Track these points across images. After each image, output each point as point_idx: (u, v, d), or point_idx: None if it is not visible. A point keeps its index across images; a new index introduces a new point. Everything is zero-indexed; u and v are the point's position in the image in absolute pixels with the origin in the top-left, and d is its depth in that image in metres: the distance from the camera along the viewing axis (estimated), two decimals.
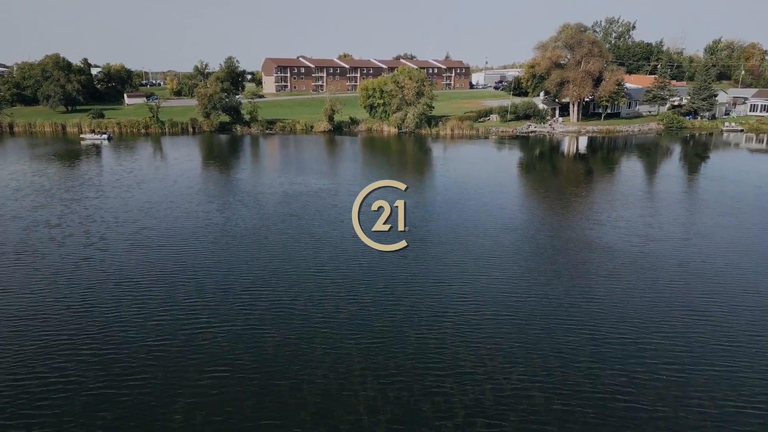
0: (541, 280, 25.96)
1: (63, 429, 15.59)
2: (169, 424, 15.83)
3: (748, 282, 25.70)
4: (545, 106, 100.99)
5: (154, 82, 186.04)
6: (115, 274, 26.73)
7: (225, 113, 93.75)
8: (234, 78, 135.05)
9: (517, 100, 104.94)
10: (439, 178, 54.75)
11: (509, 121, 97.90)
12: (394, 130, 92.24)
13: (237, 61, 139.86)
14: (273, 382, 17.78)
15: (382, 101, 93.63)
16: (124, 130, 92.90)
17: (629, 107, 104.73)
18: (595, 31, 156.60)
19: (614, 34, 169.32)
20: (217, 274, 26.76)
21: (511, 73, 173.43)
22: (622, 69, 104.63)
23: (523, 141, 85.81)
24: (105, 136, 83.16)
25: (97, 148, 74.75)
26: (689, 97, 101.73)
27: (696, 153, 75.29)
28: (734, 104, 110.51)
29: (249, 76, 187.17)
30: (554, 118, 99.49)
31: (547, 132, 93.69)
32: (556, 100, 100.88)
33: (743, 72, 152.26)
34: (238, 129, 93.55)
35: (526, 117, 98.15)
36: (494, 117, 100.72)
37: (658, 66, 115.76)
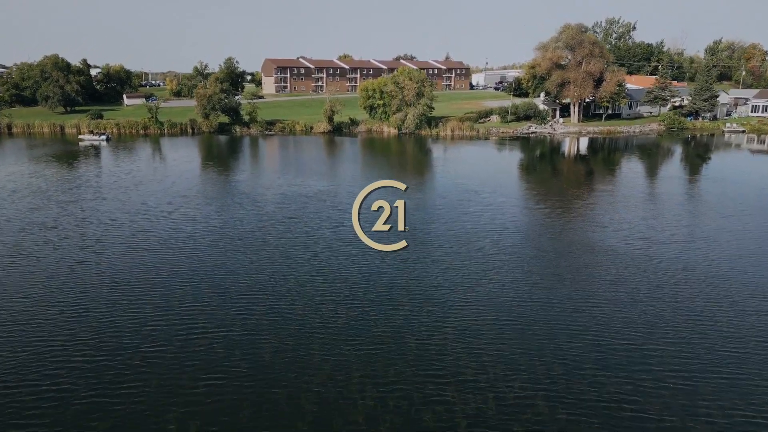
0: (544, 284, 25.53)
1: None
2: None
3: (754, 286, 25.26)
4: (546, 107, 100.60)
5: (153, 82, 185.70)
6: (110, 278, 26.29)
7: (224, 114, 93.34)
8: (234, 79, 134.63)
9: (518, 100, 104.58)
10: (439, 179, 54.34)
11: (510, 122, 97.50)
12: (394, 131, 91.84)
13: (236, 61, 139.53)
14: (269, 390, 17.34)
15: (382, 102, 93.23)
16: (123, 131, 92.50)
17: (630, 108, 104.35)
18: (595, 31, 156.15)
19: (614, 35, 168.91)
20: (214, 277, 26.33)
21: (512, 74, 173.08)
22: (623, 70, 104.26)
23: (524, 142, 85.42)
24: (103, 137, 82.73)
25: (95, 150, 74.34)
26: (690, 98, 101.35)
27: (697, 154, 74.88)
28: (735, 105, 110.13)
29: (249, 77, 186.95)
30: (555, 119, 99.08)
31: (548, 133, 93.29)
32: (557, 101, 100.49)
33: (744, 73, 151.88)
34: (238, 130, 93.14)
35: (527, 118, 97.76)
36: (495, 118, 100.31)
37: (659, 67, 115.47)
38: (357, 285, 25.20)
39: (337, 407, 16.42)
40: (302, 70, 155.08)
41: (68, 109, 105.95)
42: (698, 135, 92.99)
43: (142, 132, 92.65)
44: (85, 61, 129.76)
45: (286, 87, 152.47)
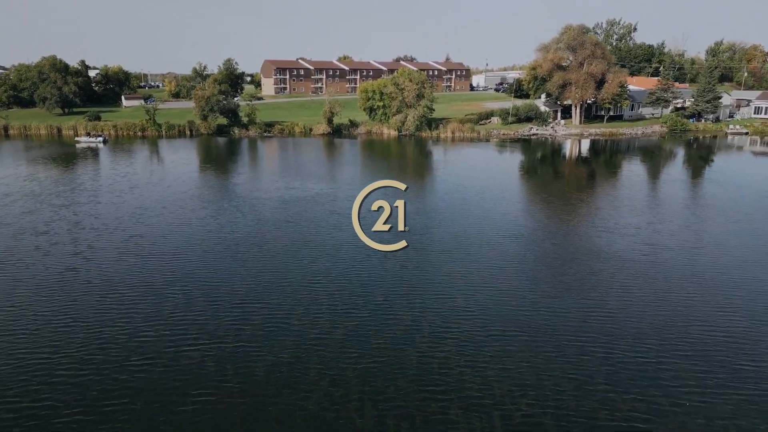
0: (549, 293, 24.61)
1: None
2: None
3: None
4: (547, 109, 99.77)
5: (152, 84, 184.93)
6: (100, 287, 25.36)
7: (223, 116, 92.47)
8: (233, 80, 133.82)
9: (519, 102, 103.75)
10: (440, 182, 53.45)
11: (510, 123, 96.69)
12: (394, 133, 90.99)
13: (236, 62, 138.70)
14: (262, 408, 16.42)
15: (381, 103, 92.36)
16: (121, 133, 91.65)
17: (632, 110, 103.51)
18: (596, 32, 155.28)
19: (615, 36, 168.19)
20: (208, 286, 25.40)
21: (512, 75, 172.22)
22: (625, 71, 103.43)
23: (525, 144, 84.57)
24: (100, 139, 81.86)
25: (91, 152, 73.48)
26: (693, 100, 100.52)
27: (701, 156, 73.99)
28: (738, 107, 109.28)
29: (248, 78, 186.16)
30: (556, 121, 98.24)
31: (549, 135, 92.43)
32: (558, 103, 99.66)
33: (746, 74, 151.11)
34: (236, 131, 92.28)
35: (528, 119, 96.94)
36: (495, 119, 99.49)
37: (661, 68, 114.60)
38: (356, 294, 24.28)
39: (334, 428, 15.50)
40: (302, 72, 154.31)
41: (66, 110, 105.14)
42: (701, 137, 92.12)
43: (139, 134, 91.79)
44: (83, 62, 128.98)
45: (285, 88, 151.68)
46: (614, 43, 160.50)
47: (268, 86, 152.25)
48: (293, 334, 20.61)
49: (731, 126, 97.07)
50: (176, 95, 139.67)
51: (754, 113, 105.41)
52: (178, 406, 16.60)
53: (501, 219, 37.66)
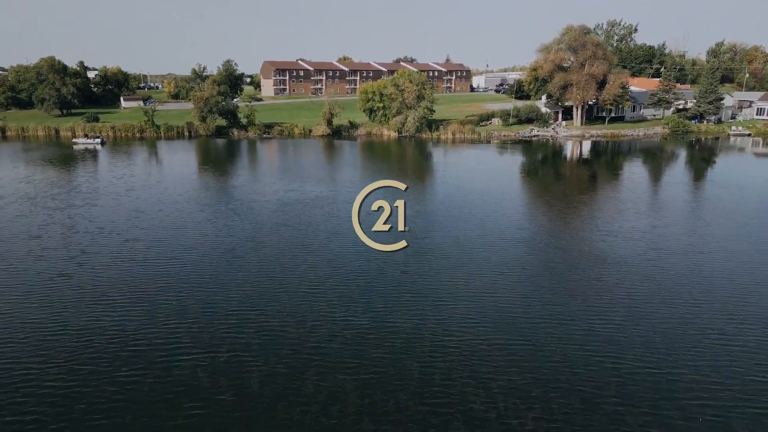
0: (554, 300, 23.90)
1: None
2: None
3: None
4: (548, 110, 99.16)
5: (151, 85, 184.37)
6: (92, 293, 24.66)
7: (222, 117, 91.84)
8: (232, 81, 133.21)
9: (520, 103, 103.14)
10: (440, 184, 52.76)
11: (511, 124, 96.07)
12: (394, 135, 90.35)
13: (235, 63, 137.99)
14: (256, 423, 15.72)
15: (381, 105, 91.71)
16: (119, 134, 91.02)
17: (633, 111, 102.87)
18: (596, 33, 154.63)
19: (616, 37, 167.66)
20: (203, 292, 24.69)
21: (512, 76, 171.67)
22: (626, 72, 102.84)
23: (526, 145, 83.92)
24: (98, 140, 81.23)
25: (89, 153, 72.84)
26: (695, 101, 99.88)
27: (704, 158, 73.32)
28: (740, 108, 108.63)
29: (248, 80, 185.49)
30: (557, 122, 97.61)
31: (551, 136, 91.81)
32: (559, 104, 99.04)
33: (747, 75, 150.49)
34: (235, 133, 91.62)
35: (529, 121, 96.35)
36: (496, 121, 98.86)
37: (662, 69, 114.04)
38: (355, 301, 23.57)
39: None
40: (301, 73, 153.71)
41: (64, 111, 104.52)
42: (703, 138, 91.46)
43: (138, 135, 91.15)
44: (82, 63, 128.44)
45: (285, 89, 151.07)
46: (615, 44, 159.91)
47: (268, 87, 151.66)
48: (289, 344, 19.91)
49: (734, 127, 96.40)
50: (175, 96, 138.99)
51: (757, 114, 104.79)
52: (168, 420, 15.91)
53: (503, 222, 36.96)
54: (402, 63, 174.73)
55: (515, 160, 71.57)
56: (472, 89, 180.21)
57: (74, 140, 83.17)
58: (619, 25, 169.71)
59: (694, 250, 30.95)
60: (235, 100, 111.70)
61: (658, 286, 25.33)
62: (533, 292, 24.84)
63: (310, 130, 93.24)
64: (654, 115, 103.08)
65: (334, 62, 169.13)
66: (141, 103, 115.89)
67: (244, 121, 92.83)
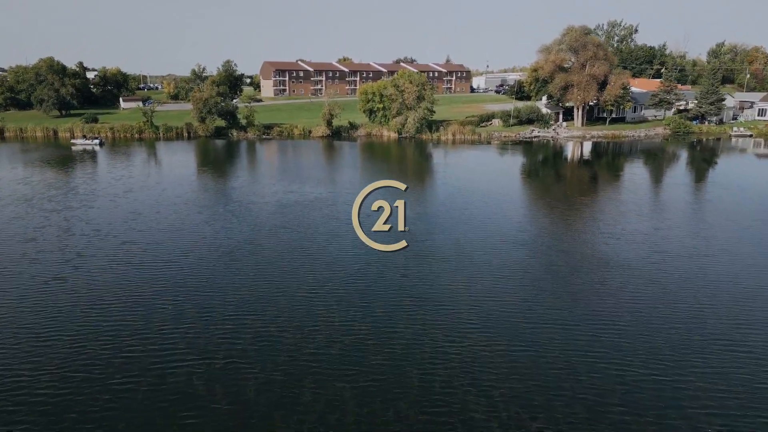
0: (557, 304, 23.48)
1: None
2: None
3: None
4: (549, 111, 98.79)
5: (151, 85, 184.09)
6: (86, 297, 24.24)
7: (221, 118, 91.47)
8: (232, 82, 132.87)
9: (520, 104, 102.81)
10: (441, 185, 52.36)
11: (512, 125, 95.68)
12: (394, 135, 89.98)
13: (235, 64, 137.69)
14: None
15: (381, 105, 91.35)
16: (117, 135, 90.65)
17: (634, 112, 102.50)
18: (597, 34, 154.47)
19: (616, 38, 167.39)
20: (200, 296, 24.28)
21: (512, 77, 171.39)
22: (627, 72, 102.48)
23: (527, 146, 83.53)
24: (96, 141, 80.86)
25: (87, 154, 72.45)
26: (696, 102, 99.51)
27: (707, 159, 72.92)
28: (741, 109, 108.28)
29: (248, 80, 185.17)
30: (558, 123, 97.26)
31: (551, 137, 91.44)
32: (560, 105, 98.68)
33: (748, 76, 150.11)
34: (234, 134, 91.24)
35: (529, 121, 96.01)
36: (496, 122, 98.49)
37: (663, 69, 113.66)
38: (354, 305, 23.15)
39: None
40: (301, 73, 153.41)
41: (63, 112, 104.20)
42: (704, 139, 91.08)
43: (136, 136, 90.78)
44: (81, 63, 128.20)
45: (284, 90, 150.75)
46: (615, 45, 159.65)
47: (268, 88, 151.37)
48: (287, 350, 19.49)
49: (735, 128, 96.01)
50: (175, 97, 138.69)
51: (758, 115, 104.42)
52: (162, 429, 15.51)
53: (504, 224, 36.56)
54: (402, 64, 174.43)
55: (516, 161, 71.18)
56: (472, 90, 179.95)
57: (72, 141, 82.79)
58: (620, 25, 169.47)
59: (698, 253, 30.54)
60: (234, 100, 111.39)
61: (662, 290, 24.92)
62: (535, 296, 24.42)
63: (310, 131, 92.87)
64: (655, 116, 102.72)
65: (334, 63, 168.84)
66: (140, 103, 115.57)
67: (243, 122, 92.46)
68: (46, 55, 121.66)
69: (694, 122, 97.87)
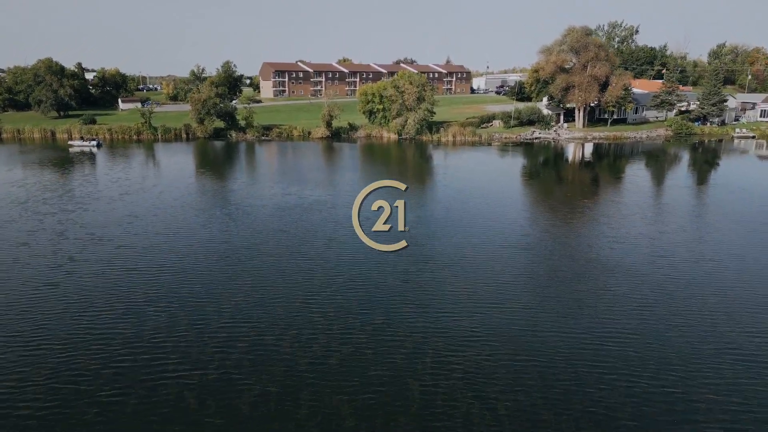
0: (562, 312, 22.79)
1: None
2: None
3: None
4: (550, 112, 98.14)
5: (151, 86, 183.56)
6: (77, 305, 23.55)
7: (219, 119, 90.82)
8: (231, 83, 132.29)
9: (521, 105, 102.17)
10: (441, 188, 51.68)
11: (513, 127, 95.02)
12: (394, 137, 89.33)
13: (234, 65, 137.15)
14: None
15: (381, 106, 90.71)
16: (116, 137, 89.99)
17: (636, 113, 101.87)
18: (597, 35, 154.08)
19: (617, 39, 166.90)
20: (194, 304, 23.57)
21: (513, 78, 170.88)
22: (629, 73, 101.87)
23: (528, 148, 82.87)
24: (94, 142, 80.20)
25: (84, 156, 71.78)
26: (698, 103, 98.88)
27: (709, 161, 72.26)
28: (743, 110, 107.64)
29: (247, 81, 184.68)
30: (559, 124, 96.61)
31: (552, 138, 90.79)
32: (561, 106, 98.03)
33: (749, 77, 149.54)
34: (233, 135, 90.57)
35: (530, 123, 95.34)
36: (497, 123, 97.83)
37: (664, 70, 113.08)
38: (352, 315, 22.44)
39: None
40: (300, 74, 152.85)
41: (61, 113, 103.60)
42: (706, 141, 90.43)
43: (135, 137, 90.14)
44: (80, 64, 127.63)
45: (284, 91, 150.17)
46: (616, 46, 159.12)
47: (267, 89, 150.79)
48: (283, 362, 18.79)
49: (737, 129, 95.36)
50: (174, 98, 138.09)
51: (760, 116, 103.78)
52: None
53: (506, 228, 35.87)
54: (402, 64, 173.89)
55: (517, 162, 70.53)
56: (473, 91, 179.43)
57: (70, 143, 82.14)
58: (620, 26, 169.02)
59: (705, 258, 29.86)
60: (233, 102, 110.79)
61: (670, 297, 24.22)
62: (539, 303, 23.73)
63: (309, 132, 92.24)
64: (656, 117, 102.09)
65: (334, 64, 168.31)
66: (139, 105, 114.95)
67: (242, 123, 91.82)
68: (45, 56, 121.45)
69: (696, 124, 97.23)
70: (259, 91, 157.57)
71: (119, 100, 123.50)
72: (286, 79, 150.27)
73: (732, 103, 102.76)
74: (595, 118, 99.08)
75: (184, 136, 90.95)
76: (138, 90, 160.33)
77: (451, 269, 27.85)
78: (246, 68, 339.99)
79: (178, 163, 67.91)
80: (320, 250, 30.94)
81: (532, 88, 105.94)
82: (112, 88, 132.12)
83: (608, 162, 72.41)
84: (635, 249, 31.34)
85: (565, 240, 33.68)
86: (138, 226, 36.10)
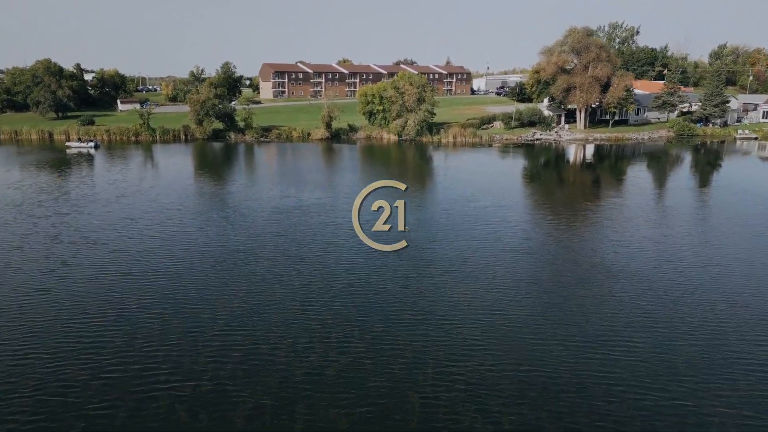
0: (567, 320, 22.14)
1: None
2: None
3: None
4: (551, 113, 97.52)
5: (150, 87, 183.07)
6: (68, 311, 22.92)
7: (218, 120, 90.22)
8: (231, 84, 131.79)
9: (522, 106, 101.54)
10: (441, 190, 51.04)
11: (513, 128, 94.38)
12: (394, 138, 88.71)
13: (234, 66, 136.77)
14: None
15: (381, 108, 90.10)
16: (114, 138, 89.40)
17: (637, 114, 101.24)
18: (598, 35, 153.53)
19: (618, 39, 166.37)
20: (188, 311, 22.94)
21: (513, 79, 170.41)
22: (630, 74, 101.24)
23: (528, 149, 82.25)
24: (92, 144, 79.61)
25: (81, 157, 71.17)
26: (700, 104, 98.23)
27: (712, 162, 71.61)
28: (745, 111, 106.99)
29: (247, 82, 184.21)
30: (560, 125, 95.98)
31: (553, 140, 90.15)
32: (562, 107, 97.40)
33: (751, 78, 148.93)
34: (232, 136, 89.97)
35: (531, 124, 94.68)
36: (498, 124, 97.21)
37: (665, 71, 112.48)
38: (351, 322, 21.80)
39: None
40: (300, 75, 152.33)
41: (60, 114, 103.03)
42: (708, 142, 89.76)
43: (133, 139, 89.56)
44: (78, 65, 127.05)
45: (284, 92, 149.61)
46: (617, 47, 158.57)
47: (267, 90, 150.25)
48: (279, 372, 18.14)
49: (740, 131, 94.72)
50: (173, 99, 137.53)
51: (763, 117, 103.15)
52: None
53: (507, 231, 35.23)
54: (402, 65, 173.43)
55: (518, 164, 69.91)
56: (473, 92, 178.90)
57: (67, 144, 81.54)
58: (621, 27, 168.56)
59: (712, 263, 29.21)
60: (232, 102, 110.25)
61: (677, 304, 23.57)
62: (544, 311, 23.08)
63: (309, 134, 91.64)
64: (658, 118, 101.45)
65: (334, 65, 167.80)
66: (138, 105, 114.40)
67: (241, 124, 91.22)
68: (44, 57, 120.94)
69: (698, 125, 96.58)
70: (258, 92, 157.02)
71: (118, 101, 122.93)
72: (286, 80, 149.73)
73: (734, 104, 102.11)
74: (596, 119, 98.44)
75: (182, 137, 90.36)
76: (137, 91, 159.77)
77: (452, 274, 27.21)
78: (246, 69, 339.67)
79: (175, 164, 67.28)
80: (318, 254, 30.30)
81: (533, 89, 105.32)
82: (111, 89, 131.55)
83: (610, 163, 71.77)
84: (640, 253, 30.70)
85: (568, 244, 33.04)
86: (133, 230, 35.48)
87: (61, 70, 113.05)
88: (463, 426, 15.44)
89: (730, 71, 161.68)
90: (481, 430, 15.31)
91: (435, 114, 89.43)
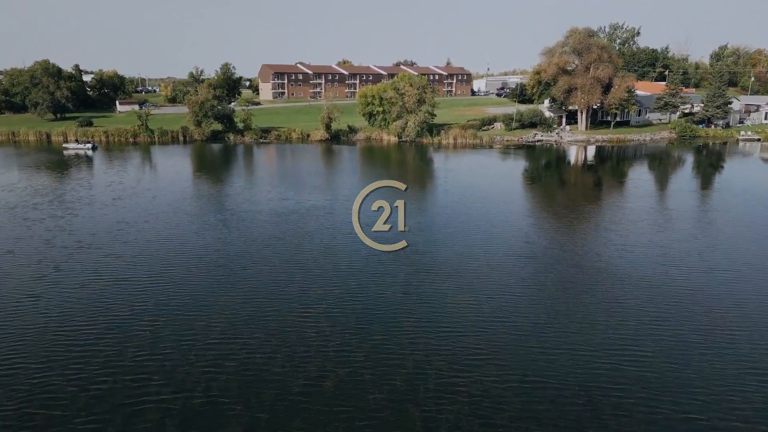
0: (573, 329, 21.46)
1: None
2: None
3: None
4: (552, 114, 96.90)
5: (149, 88, 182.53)
6: (58, 319, 22.23)
7: (217, 121, 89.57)
8: (230, 85, 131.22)
9: (522, 107, 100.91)
10: (442, 192, 50.36)
11: (514, 129, 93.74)
12: (394, 139, 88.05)
13: (233, 67, 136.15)
14: None
15: (381, 109, 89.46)
16: (112, 139, 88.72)
17: (639, 115, 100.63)
18: (599, 36, 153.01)
19: (618, 40, 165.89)
20: (182, 319, 22.25)
21: (513, 80, 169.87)
22: (632, 75, 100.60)
23: (529, 150, 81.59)
24: (89, 145, 78.93)
25: (79, 159, 70.49)
26: (702, 105, 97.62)
27: (714, 164, 70.96)
28: (747, 112, 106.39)
29: (247, 83, 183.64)
30: (561, 127, 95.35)
31: (555, 141, 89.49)
32: (563, 108, 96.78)
33: (752, 79, 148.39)
34: (231, 138, 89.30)
35: (532, 125, 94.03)
36: (498, 125, 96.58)
37: (668, 72, 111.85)
38: (349, 331, 21.11)
39: None
40: (300, 76, 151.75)
41: (58, 116, 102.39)
42: (710, 143, 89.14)
43: (131, 140, 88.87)
44: (77, 66, 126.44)
45: (283, 93, 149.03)
46: (618, 48, 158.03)
47: (266, 91, 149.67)
48: (275, 384, 17.45)
49: (743, 132, 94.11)
50: (172, 100, 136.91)
51: (765, 119, 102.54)
52: None
53: (510, 235, 34.54)
54: (402, 66, 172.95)
55: (519, 165, 69.25)
56: (473, 93, 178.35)
57: (65, 145, 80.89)
58: (622, 28, 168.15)
59: (720, 268, 28.54)
60: (232, 104, 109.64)
61: (686, 312, 22.89)
62: (549, 320, 22.39)
63: (308, 135, 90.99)
64: (660, 120, 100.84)
65: (334, 66, 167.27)
66: (136, 107, 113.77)
67: (240, 125, 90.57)
68: (42, 57, 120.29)
69: (700, 126, 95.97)
70: (258, 93, 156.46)
71: (117, 103, 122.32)
72: (286, 81, 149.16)
73: (736, 105, 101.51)
74: (597, 120, 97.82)
75: (181, 138, 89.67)
76: (136, 92, 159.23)
77: (453, 280, 26.53)
78: (245, 70, 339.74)
79: (173, 166, 66.59)
80: (317, 259, 29.61)
81: (534, 90, 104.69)
82: (110, 91, 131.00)
83: (612, 165, 71.11)
84: (646, 258, 30.02)
85: (572, 248, 32.36)
86: (128, 234, 34.80)
87: (59, 71, 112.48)
88: None
89: (732, 72, 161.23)
90: None
91: (435, 115, 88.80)
